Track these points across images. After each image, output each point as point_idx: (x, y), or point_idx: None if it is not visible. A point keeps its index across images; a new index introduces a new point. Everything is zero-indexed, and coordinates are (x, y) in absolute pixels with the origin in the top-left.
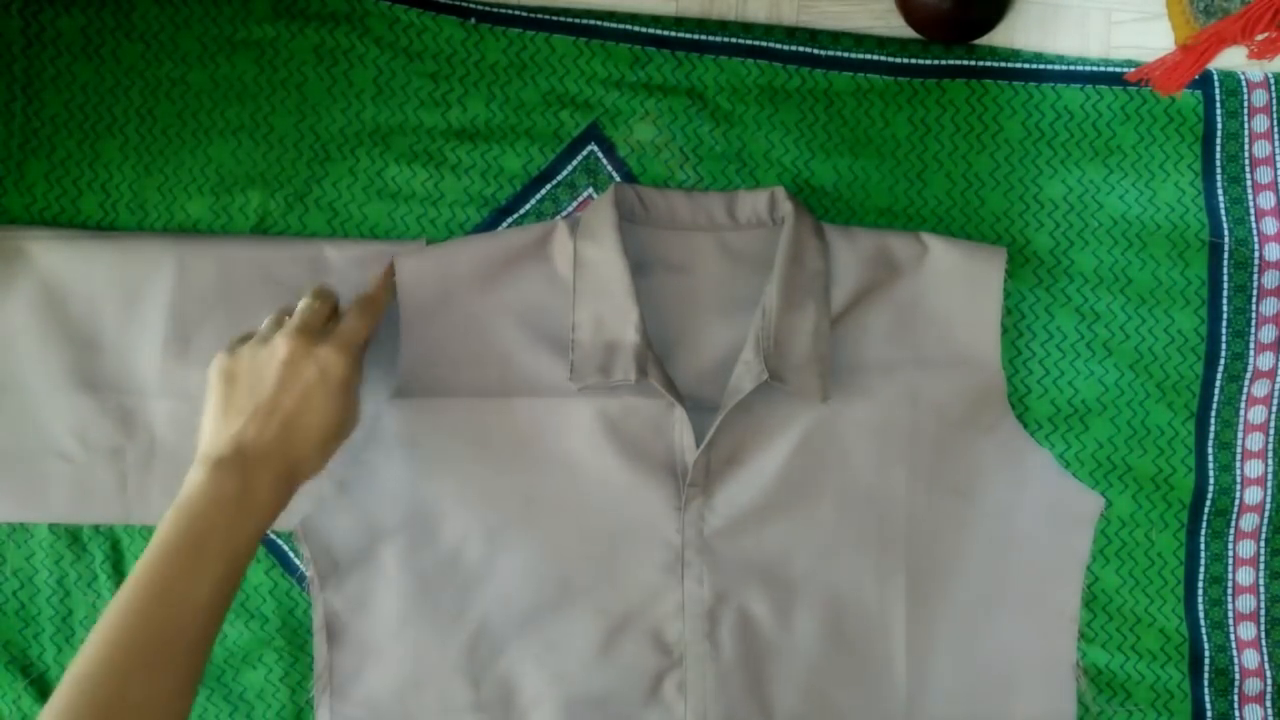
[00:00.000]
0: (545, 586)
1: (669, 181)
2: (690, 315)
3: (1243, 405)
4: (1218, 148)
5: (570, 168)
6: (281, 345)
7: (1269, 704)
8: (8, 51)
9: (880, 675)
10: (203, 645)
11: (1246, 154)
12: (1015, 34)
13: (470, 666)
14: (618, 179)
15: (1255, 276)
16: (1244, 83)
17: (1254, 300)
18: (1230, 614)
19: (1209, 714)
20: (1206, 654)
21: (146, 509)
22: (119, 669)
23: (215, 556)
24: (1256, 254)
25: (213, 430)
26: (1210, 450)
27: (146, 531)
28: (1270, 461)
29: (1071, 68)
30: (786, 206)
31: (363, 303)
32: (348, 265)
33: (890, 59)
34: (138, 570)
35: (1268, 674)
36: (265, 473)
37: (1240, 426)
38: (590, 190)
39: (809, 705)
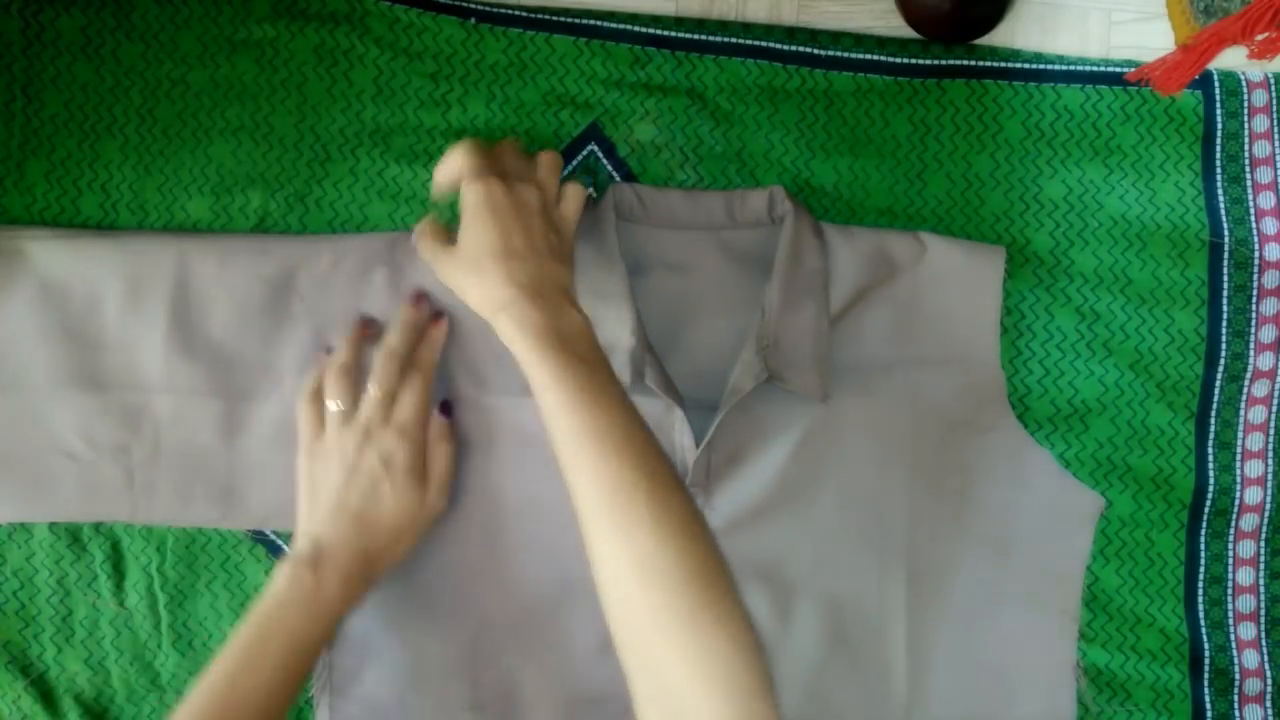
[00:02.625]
0: (545, 586)
1: (669, 181)
2: (689, 314)
3: (1243, 405)
4: (1218, 148)
5: (570, 168)
6: (348, 441)
7: (1269, 704)
8: (8, 51)
9: (880, 675)
10: None
11: (1246, 154)
12: (1015, 34)
13: (470, 666)
14: (618, 179)
15: (1255, 276)
16: (1244, 83)
17: (1254, 300)
18: (1230, 614)
19: (1209, 714)
20: (1206, 654)
21: (153, 505)
22: None
23: (280, 648)
24: (1256, 254)
25: (298, 527)
26: (1210, 450)
27: (147, 531)
28: (1270, 461)
29: (1071, 68)
30: (785, 206)
31: (412, 379)
32: (349, 260)
33: (890, 59)
34: (215, 659)
35: (1268, 674)
36: (337, 569)
37: (1240, 426)
38: (590, 190)
39: (809, 705)
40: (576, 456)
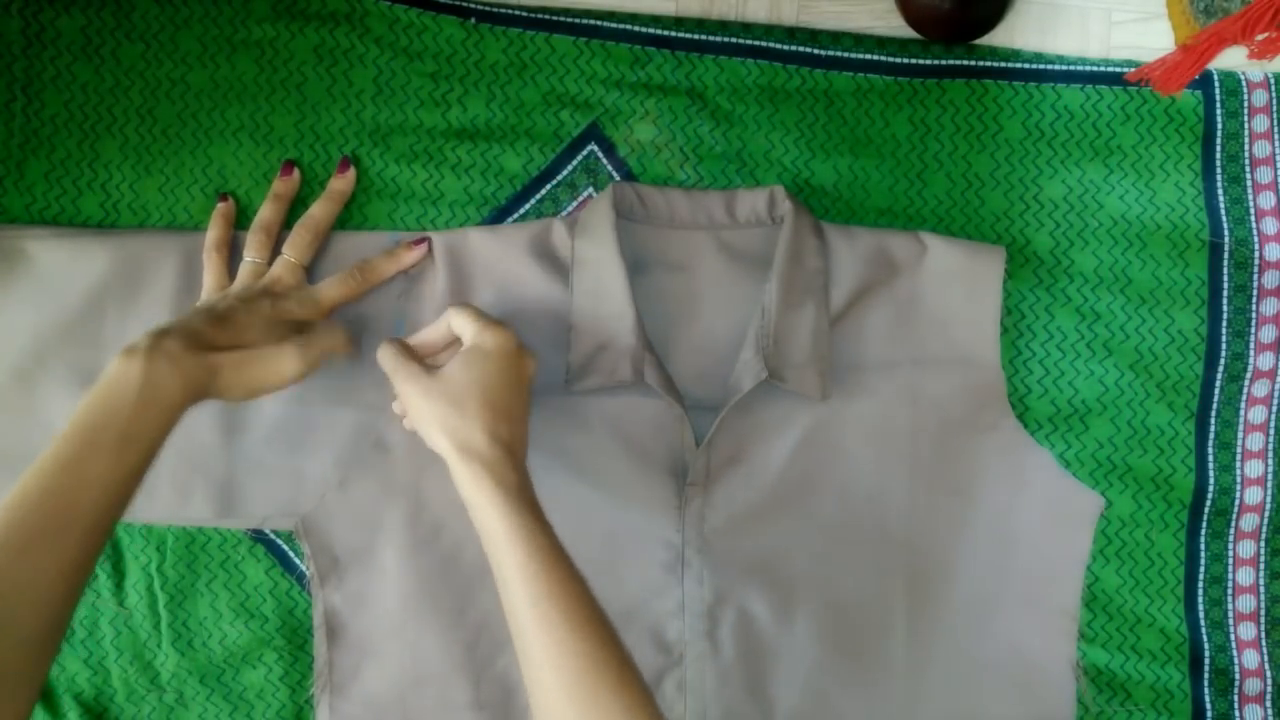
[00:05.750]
0: None
1: (669, 181)
2: (689, 314)
3: (1243, 405)
4: (1218, 148)
5: (570, 168)
6: (253, 289)
7: (1269, 704)
8: (8, 51)
9: (880, 675)
10: (96, 525)
11: (1246, 154)
12: (1015, 34)
13: (470, 665)
14: (618, 179)
15: (1255, 276)
16: (1244, 83)
17: (1254, 300)
18: (1230, 614)
19: (1209, 714)
20: (1206, 654)
21: (152, 504)
22: (9, 544)
23: (114, 438)
24: (1256, 254)
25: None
26: (1210, 450)
27: (146, 531)
28: (1270, 461)
29: (1071, 68)
30: (785, 205)
31: (350, 277)
32: (348, 259)
33: (890, 59)
34: (44, 453)
35: (1268, 674)
36: (175, 369)
37: (1240, 426)
38: (590, 190)
39: (809, 704)
40: (543, 624)
